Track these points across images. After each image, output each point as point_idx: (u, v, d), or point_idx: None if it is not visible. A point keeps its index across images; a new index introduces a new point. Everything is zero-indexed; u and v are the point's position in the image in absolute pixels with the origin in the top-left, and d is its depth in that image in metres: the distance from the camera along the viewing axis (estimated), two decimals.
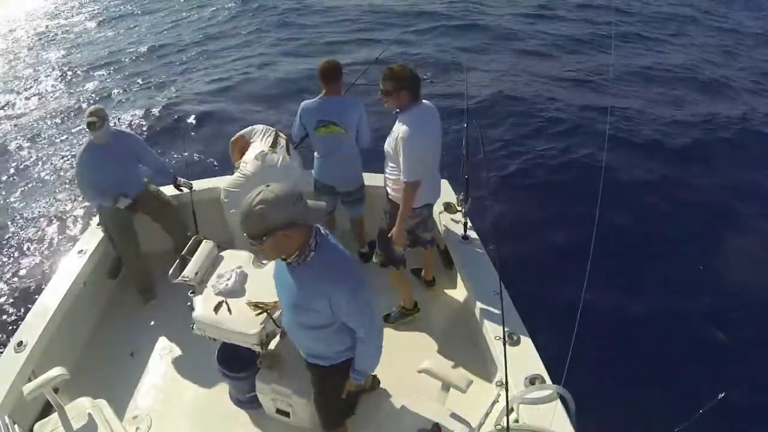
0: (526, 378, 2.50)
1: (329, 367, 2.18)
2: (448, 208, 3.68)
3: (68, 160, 6.97)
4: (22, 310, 4.54)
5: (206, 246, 3.02)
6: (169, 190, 3.99)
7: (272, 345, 2.68)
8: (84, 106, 8.38)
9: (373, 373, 2.39)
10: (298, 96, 5.77)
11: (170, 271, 2.91)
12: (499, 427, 2.01)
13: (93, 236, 3.82)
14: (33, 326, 3.05)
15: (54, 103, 8.94)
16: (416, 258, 3.66)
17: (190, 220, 3.89)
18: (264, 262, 2.83)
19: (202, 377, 3.17)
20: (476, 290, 3.15)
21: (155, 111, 8.07)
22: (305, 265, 1.87)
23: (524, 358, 2.63)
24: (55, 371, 2.46)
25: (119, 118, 7.84)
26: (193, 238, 3.12)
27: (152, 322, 3.65)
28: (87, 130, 3.48)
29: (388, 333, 3.35)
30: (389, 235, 3.09)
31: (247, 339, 2.56)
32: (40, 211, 6.06)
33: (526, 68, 9.12)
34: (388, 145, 3.00)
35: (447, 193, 3.76)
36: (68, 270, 3.50)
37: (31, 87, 9.74)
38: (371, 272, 3.43)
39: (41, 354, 2.96)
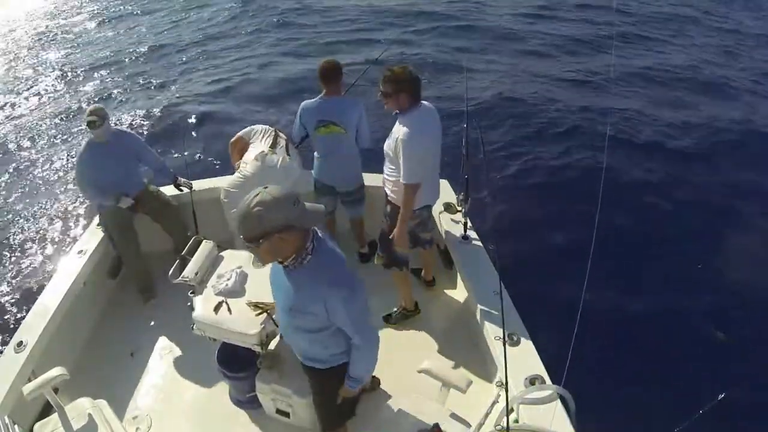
0: (526, 378, 2.50)
1: (326, 370, 2.16)
2: (448, 208, 3.68)
3: (68, 160, 6.97)
4: (23, 310, 4.55)
5: (206, 246, 3.02)
6: (169, 190, 4.00)
7: (272, 345, 2.68)
8: (84, 106, 8.38)
9: (372, 375, 2.38)
10: (298, 96, 5.77)
11: (170, 271, 2.91)
12: (499, 427, 2.01)
13: (93, 236, 3.82)
14: (33, 326, 3.05)
15: (54, 104, 8.94)
16: (416, 258, 3.66)
17: (190, 220, 3.89)
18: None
19: (202, 377, 3.17)
20: (476, 290, 3.14)
21: (155, 111, 8.07)
22: (302, 268, 1.85)
23: (524, 359, 2.62)
24: (55, 371, 2.46)
25: (119, 119, 7.85)
26: (193, 239, 3.12)
27: (152, 322, 3.65)
28: (87, 128, 3.49)
29: (389, 333, 3.38)
30: (390, 237, 3.09)
31: (247, 339, 2.56)
32: (40, 211, 6.06)
33: (526, 69, 9.12)
34: (388, 147, 2.99)
35: (447, 193, 3.75)
36: (68, 270, 3.50)
37: (31, 87, 9.74)
38: (371, 272, 3.43)
39: (41, 354, 2.96)
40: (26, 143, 7.68)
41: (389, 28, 11.31)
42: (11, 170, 7.03)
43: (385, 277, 3.37)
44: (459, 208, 3.65)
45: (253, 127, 3.77)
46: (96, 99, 8.82)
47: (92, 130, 3.48)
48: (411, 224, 3.13)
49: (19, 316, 4.53)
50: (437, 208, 3.53)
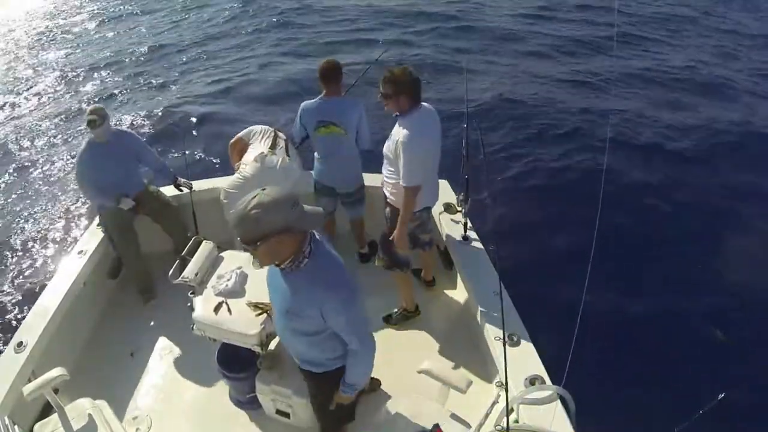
0: (526, 378, 2.50)
1: (321, 374, 2.13)
2: (448, 208, 3.68)
3: (68, 160, 6.97)
4: (23, 310, 4.55)
5: (206, 247, 3.02)
6: (169, 191, 4.00)
7: (272, 345, 2.68)
8: (84, 106, 8.38)
9: (372, 376, 2.38)
10: (298, 96, 5.78)
11: (170, 272, 2.91)
12: (499, 427, 2.01)
13: (93, 236, 3.82)
14: (33, 326, 3.05)
15: (54, 104, 8.95)
16: (416, 259, 3.66)
17: (190, 221, 3.89)
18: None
19: (202, 377, 3.17)
20: (476, 291, 3.15)
21: (155, 111, 8.07)
22: (299, 271, 1.83)
23: (524, 359, 2.63)
24: (55, 372, 2.46)
25: (120, 119, 7.84)
26: (193, 239, 3.12)
27: (152, 323, 3.65)
28: (87, 128, 3.49)
29: (389, 333, 3.39)
30: (390, 239, 3.09)
31: (247, 340, 2.56)
32: (40, 212, 6.06)
33: (526, 70, 9.13)
34: (387, 149, 2.98)
35: (447, 193, 3.76)
36: (68, 270, 3.50)
37: (31, 87, 9.74)
38: (371, 273, 3.43)
39: (41, 354, 2.96)
40: (26, 143, 7.68)
41: (389, 28, 11.32)
42: (11, 170, 7.03)
43: (385, 278, 3.37)
44: (459, 209, 3.65)
45: (252, 127, 3.75)
46: (96, 99, 8.82)
47: (92, 130, 3.48)
48: (411, 226, 3.13)
49: (19, 316, 4.53)
50: (437, 209, 3.54)
